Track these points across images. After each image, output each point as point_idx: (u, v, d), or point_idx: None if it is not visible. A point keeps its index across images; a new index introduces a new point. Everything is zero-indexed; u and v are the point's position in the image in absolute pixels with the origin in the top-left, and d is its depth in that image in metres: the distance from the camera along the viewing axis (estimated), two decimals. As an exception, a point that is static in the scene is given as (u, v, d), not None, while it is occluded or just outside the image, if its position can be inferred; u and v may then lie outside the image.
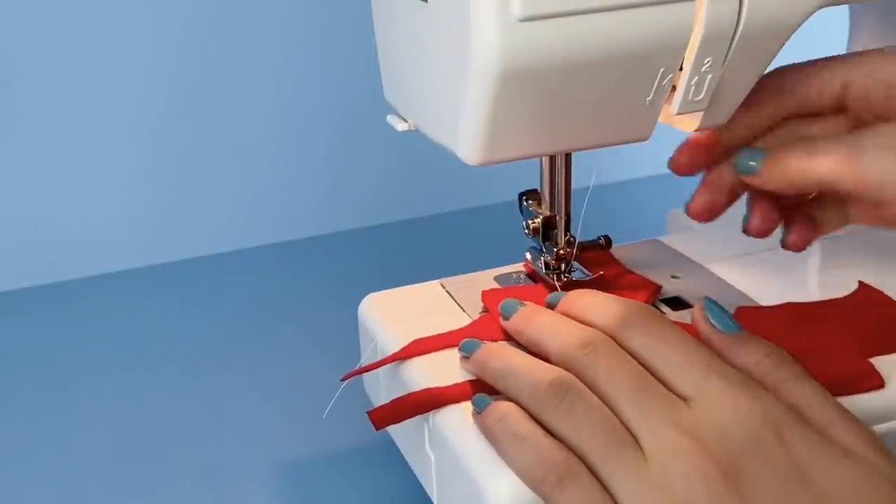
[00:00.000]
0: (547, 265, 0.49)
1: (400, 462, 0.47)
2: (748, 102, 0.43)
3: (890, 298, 0.47)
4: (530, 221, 0.48)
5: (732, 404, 0.35)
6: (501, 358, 0.40)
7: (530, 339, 0.42)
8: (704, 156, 0.45)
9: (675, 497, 0.33)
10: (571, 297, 0.43)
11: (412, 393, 0.42)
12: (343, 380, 0.45)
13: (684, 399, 0.36)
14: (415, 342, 0.45)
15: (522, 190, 0.49)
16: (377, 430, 0.42)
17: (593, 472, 0.35)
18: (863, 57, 0.43)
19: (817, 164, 0.40)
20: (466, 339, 0.43)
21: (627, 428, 0.35)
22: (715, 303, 0.40)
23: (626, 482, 0.34)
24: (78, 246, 0.76)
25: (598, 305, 0.41)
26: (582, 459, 0.35)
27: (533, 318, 0.42)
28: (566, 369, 0.38)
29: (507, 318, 0.43)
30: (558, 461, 0.35)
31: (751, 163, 0.43)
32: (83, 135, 0.74)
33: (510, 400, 0.39)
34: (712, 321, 0.39)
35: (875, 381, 0.41)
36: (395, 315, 0.49)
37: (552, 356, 0.40)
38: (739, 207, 0.49)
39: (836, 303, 0.47)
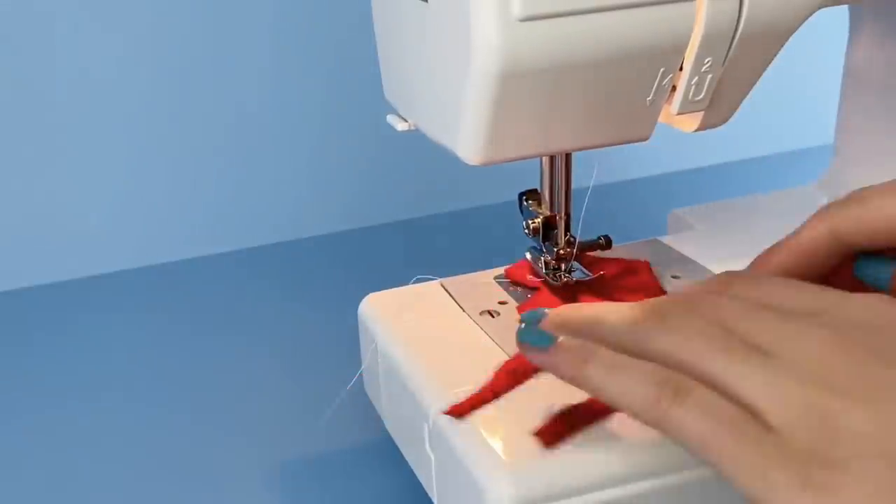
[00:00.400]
0: (547, 265, 0.49)
1: (400, 462, 0.47)
2: (801, 251, 0.38)
3: None
4: (530, 221, 0.48)
5: (874, 307, 0.33)
6: (585, 308, 0.37)
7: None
8: None
9: (814, 378, 0.31)
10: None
11: (579, 405, 0.38)
12: (450, 415, 0.40)
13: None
14: (505, 369, 0.40)
15: (522, 190, 0.49)
16: (547, 448, 0.37)
17: (713, 381, 0.32)
18: None
19: None
20: (528, 311, 0.38)
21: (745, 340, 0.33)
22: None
23: (755, 376, 0.31)
24: (78, 246, 0.76)
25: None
26: (698, 373, 0.33)
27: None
28: None
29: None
30: (669, 376, 0.32)
31: (879, 276, 0.37)
32: (83, 135, 0.74)
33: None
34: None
35: None
36: (395, 315, 0.49)
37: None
38: (740, 211, 0.49)
39: None
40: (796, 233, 0.39)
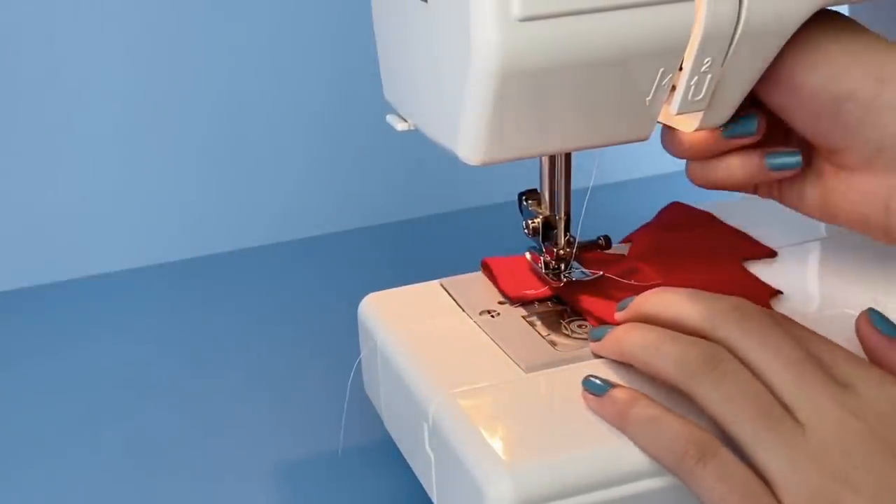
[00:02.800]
0: (547, 265, 0.49)
1: (400, 462, 0.47)
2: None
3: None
4: (530, 221, 0.48)
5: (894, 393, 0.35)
6: (639, 333, 0.40)
7: (665, 318, 0.40)
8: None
9: (833, 470, 0.33)
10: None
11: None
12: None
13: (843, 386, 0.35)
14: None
15: (522, 190, 0.49)
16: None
17: (740, 445, 0.34)
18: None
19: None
20: (596, 327, 0.43)
21: (781, 399, 0.35)
22: (879, 312, 0.40)
23: (779, 452, 0.33)
24: (78, 246, 0.76)
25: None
26: (729, 432, 0.35)
27: (662, 296, 0.41)
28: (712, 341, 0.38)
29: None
30: (698, 437, 0.35)
31: (788, 160, 0.42)
32: (83, 134, 0.74)
33: (650, 375, 0.39)
34: (875, 324, 0.39)
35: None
36: (395, 315, 0.49)
37: (694, 329, 0.38)
38: (741, 211, 0.49)
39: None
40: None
